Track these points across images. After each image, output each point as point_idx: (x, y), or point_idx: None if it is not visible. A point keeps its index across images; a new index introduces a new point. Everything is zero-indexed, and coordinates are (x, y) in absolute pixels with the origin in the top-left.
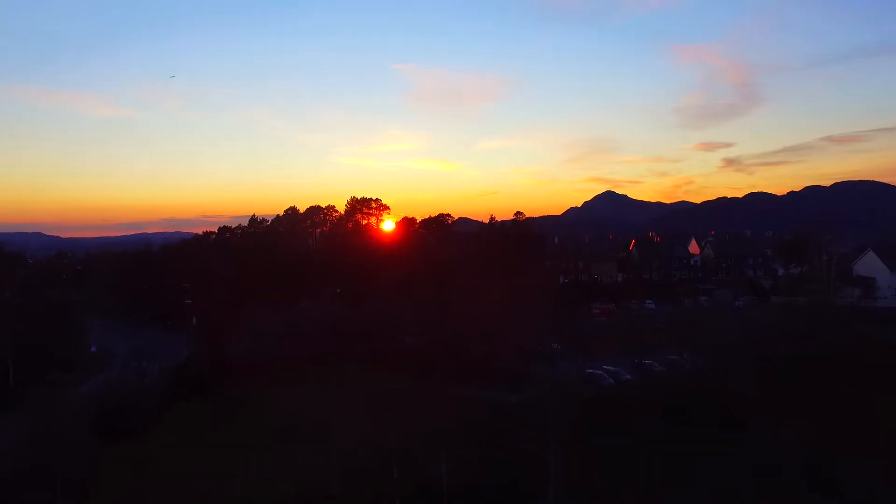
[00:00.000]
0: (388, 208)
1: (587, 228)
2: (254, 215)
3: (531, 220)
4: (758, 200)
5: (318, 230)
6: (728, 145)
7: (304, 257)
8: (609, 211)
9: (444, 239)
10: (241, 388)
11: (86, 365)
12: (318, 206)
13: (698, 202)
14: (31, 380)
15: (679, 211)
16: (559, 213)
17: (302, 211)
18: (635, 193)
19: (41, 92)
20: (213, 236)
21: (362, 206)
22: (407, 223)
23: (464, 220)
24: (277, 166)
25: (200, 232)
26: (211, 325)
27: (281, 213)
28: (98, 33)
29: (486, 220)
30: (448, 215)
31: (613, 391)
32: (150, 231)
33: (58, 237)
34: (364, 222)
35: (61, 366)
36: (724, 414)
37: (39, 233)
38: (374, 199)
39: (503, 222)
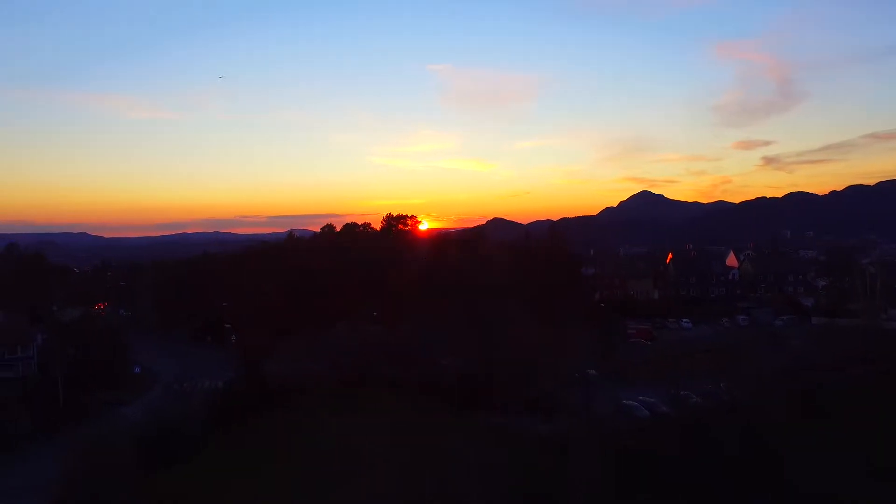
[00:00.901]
0: (423, 224)
1: (623, 229)
2: (290, 232)
3: (566, 220)
4: (798, 200)
5: (355, 248)
6: (767, 143)
7: (341, 278)
8: (645, 211)
9: (479, 258)
10: (280, 416)
11: (130, 386)
12: (354, 224)
13: (737, 202)
14: (78, 401)
15: (717, 211)
16: (594, 213)
17: (338, 228)
18: (672, 193)
19: (85, 96)
20: (254, 249)
21: (397, 223)
22: (444, 241)
23: (498, 221)
24: (313, 167)
25: (238, 232)
26: (250, 347)
27: (316, 213)
28: (139, 38)
29: (521, 221)
30: (484, 232)
31: (648, 424)
32: (189, 231)
33: (101, 237)
34: (399, 239)
35: (107, 386)
36: (761, 454)
37: (84, 233)
38: (409, 215)
39: (540, 224)
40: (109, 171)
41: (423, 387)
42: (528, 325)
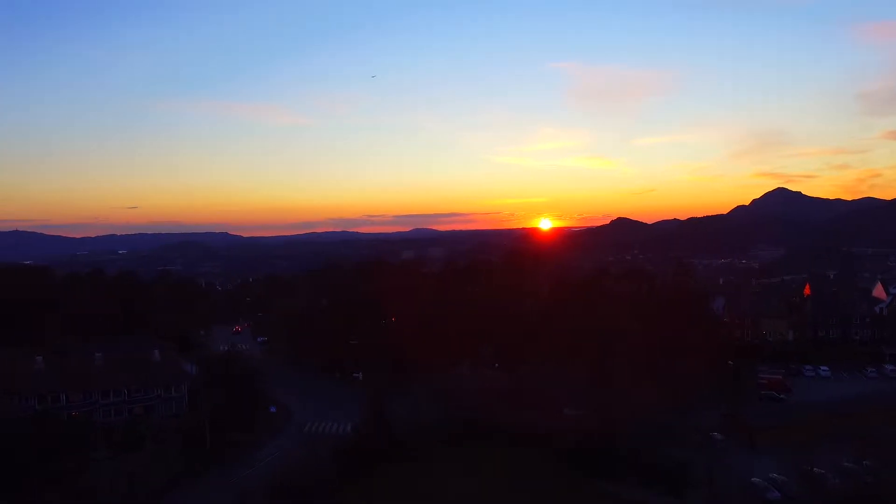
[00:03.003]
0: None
1: (756, 228)
2: (413, 259)
3: (694, 220)
4: None
5: (478, 281)
6: None
7: (464, 318)
8: (781, 209)
9: (599, 298)
10: (404, 468)
11: (265, 426)
12: (479, 261)
13: (888, 198)
14: (222, 442)
15: (864, 209)
16: (725, 212)
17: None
18: (811, 189)
19: (231, 105)
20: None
21: (522, 258)
22: (567, 278)
23: (623, 220)
24: (438, 166)
25: (364, 231)
26: (375, 389)
27: (441, 212)
28: (279, 51)
29: (646, 221)
30: (607, 272)
31: None
32: (319, 231)
33: (240, 236)
34: (518, 273)
35: (245, 426)
36: None
37: (225, 232)
38: (532, 244)
39: (666, 223)
40: (249, 175)
41: (544, 439)
42: (650, 375)
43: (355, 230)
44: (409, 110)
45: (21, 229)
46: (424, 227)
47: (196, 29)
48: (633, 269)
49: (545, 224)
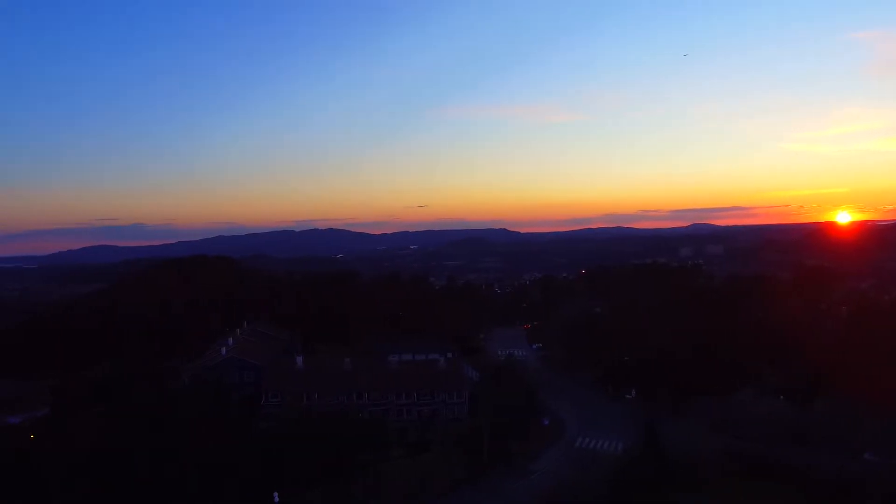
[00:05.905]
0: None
1: None
2: (691, 259)
3: None
4: None
5: (766, 295)
6: None
7: (748, 338)
8: None
9: None
10: (678, 498)
11: (538, 437)
12: (766, 271)
13: None
14: (499, 450)
15: None
16: None
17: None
18: None
19: (506, 108)
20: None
21: (817, 264)
22: (870, 294)
23: None
24: (716, 157)
25: (639, 227)
26: (651, 409)
27: (721, 206)
28: (548, 50)
29: None
30: None
31: None
32: (593, 226)
33: (517, 232)
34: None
35: (519, 436)
36: None
37: (504, 229)
38: (827, 242)
39: None
40: (525, 172)
41: (838, 489)
42: None
43: (630, 226)
44: (684, 98)
45: (334, 227)
46: (702, 222)
47: (471, 36)
48: None
49: (844, 217)
